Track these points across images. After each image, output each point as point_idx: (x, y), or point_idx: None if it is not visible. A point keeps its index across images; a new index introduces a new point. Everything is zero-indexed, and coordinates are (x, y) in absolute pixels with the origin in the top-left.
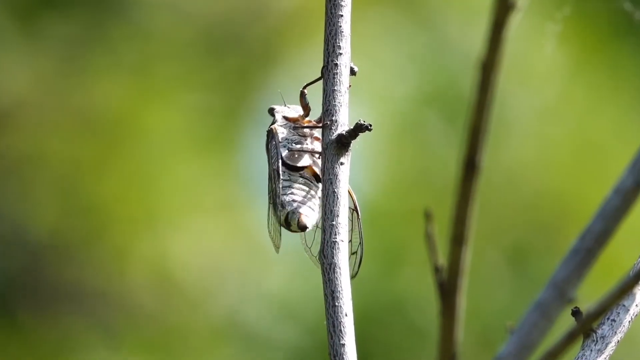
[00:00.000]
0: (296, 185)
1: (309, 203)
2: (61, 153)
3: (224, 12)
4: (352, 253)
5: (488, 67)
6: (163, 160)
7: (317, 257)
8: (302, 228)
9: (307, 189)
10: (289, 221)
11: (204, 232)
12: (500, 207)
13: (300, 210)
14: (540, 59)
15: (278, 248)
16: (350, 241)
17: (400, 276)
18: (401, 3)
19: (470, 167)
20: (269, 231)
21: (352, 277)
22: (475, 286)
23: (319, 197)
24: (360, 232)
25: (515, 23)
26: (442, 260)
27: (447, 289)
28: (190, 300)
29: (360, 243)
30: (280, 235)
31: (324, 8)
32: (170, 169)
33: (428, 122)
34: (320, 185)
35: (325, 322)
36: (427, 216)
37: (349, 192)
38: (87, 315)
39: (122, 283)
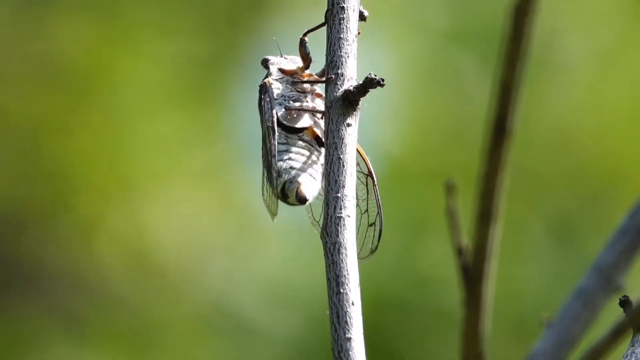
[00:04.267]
0: (294, 149)
1: (309, 170)
2: (19, 109)
3: None
4: (370, 224)
5: (522, 12)
6: (138, 117)
7: (320, 235)
8: (301, 200)
9: (307, 153)
10: (286, 192)
11: (186, 203)
12: (543, 171)
13: (299, 179)
14: None
15: (274, 216)
16: (366, 211)
17: (425, 252)
18: None
19: (499, 132)
20: (263, 198)
21: (372, 252)
22: (509, 266)
23: (322, 164)
24: (377, 201)
25: None
26: (467, 240)
27: (472, 275)
28: (170, 284)
29: (379, 213)
30: (277, 202)
31: None
32: (146, 129)
33: (461, 64)
34: (323, 150)
35: (328, 312)
36: (449, 188)
37: (360, 153)
38: (47, 301)
39: (89, 263)
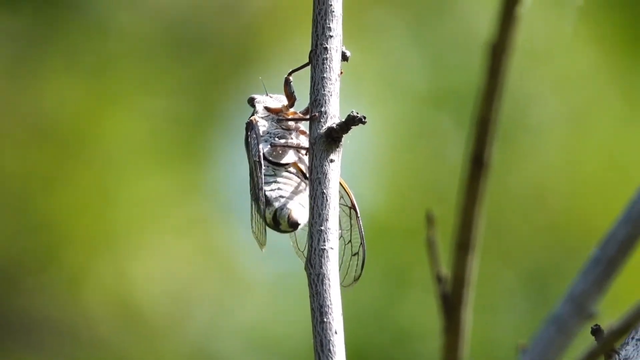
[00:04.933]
0: (282, 179)
1: (297, 198)
2: (9, 165)
3: (192, 7)
4: (353, 254)
5: (499, 49)
6: (124, 173)
7: (305, 267)
8: (293, 225)
9: (294, 183)
10: (278, 219)
11: (170, 254)
12: (518, 224)
13: (289, 206)
14: (571, 59)
15: (263, 246)
16: (349, 242)
17: (404, 303)
18: None
19: (477, 164)
20: (252, 230)
21: (355, 280)
22: (484, 317)
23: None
24: (360, 231)
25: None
26: (446, 270)
27: (451, 302)
28: (154, 332)
29: (362, 243)
30: (266, 232)
31: None
32: (132, 183)
33: (439, 125)
34: (307, 182)
35: (312, 341)
36: (429, 220)
37: (344, 187)
38: (37, 349)
39: (77, 312)
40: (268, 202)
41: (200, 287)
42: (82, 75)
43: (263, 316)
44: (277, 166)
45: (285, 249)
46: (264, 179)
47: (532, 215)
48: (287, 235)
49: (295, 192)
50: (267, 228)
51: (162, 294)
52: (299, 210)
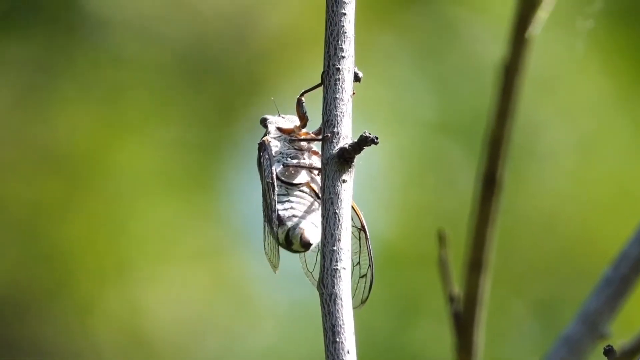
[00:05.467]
0: (294, 198)
1: (310, 217)
2: (19, 193)
3: (202, 35)
4: (361, 276)
5: (511, 69)
6: (134, 202)
7: (317, 287)
8: (306, 245)
9: (307, 202)
10: (290, 239)
11: (181, 283)
12: (527, 252)
13: (302, 226)
14: (579, 86)
15: (276, 268)
16: (358, 263)
17: (415, 331)
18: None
19: (490, 183)
20: (265, 251)
21: (362, 302)
22: (494, 341)
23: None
24: (369, 253)
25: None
26: (458, 289)
27: (464, 321)
28: None
29: (370, 265)
30: (279, 254)
31: (325, 7)
32: (143, 212)
33: (450, 153)
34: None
35: None
36: (441, 239)
37: (354, 208)
38: None
39: (86, 341)
40: (281, 221)
41: (212, 316)
42: (94, 104)
43: (274, 343)
44: (290, 185)
45: (296, 275)
46: (277, 198)
47: (542, 242)
48: (297, 256)
49: (308, 211)
50: (280, 249)
51: (172, 322)
52: (312, 230)
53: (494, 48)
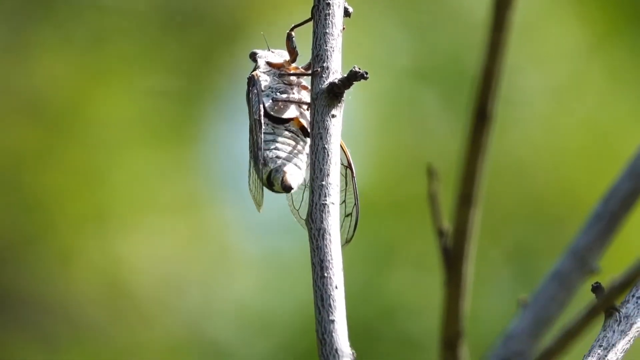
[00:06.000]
0: (280, 139)
1: (294, 160)
2: None
3: None
4: (346, 215)
5: (503, 1)
6: (115, 151)
7: (305, 221)
8: (287, 188)
9: (293, 143)
10: (272, 180)
11: (162, 234)
12: (501, 199)
13: (285, 169)
14: (554, 33)
15: (260, 207)
16: (344, 202)
17: (392, 281)
18: None
19: (481, 117)
20: (249, 188)
21: (347, 241)
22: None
23: (307, 154)
24: (355, 192)
25: None
26: (447, 224)
27: (453, 255)
28: (146, 312)
29: (355, 204)
30: (263, 192)
31: None
32: (123, 162)
33: (426, 100)
34: (308, 140)
35: (312, 296)
36: (430, 173)
37: (342, 146)
38: (25, 328)
39: (66, 291)
40: (265, 162)
41: (192, 268)
42: (74, 52)
43: (255, 293)
44: (278, 123)
45: (277, 224)
46: (264, 137)
47: (516, 189)
48: (282, 195)
49: (293, 153)
50: (264, 188)
51: (152, 273)
52: (294, 172)
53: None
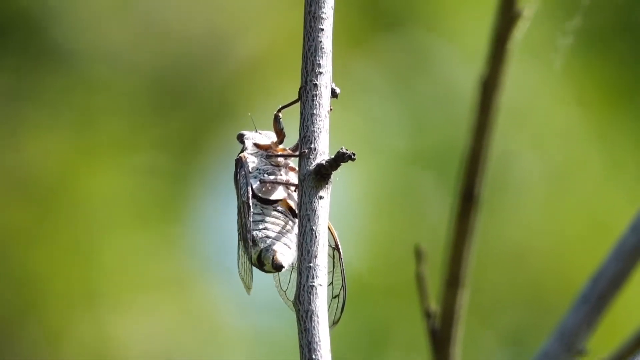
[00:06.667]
0: (269, 218)
1: (284, 239)
2: None
3: (173, 60)
4: (334, 297)
5: (489, 84)
6: (105, 229)
7: (293, 303)
8: (277, 268)
9: (282, 223)
10: (262, 260)
11: (152, 312)
12: (498, 283)
13: (275, 248)
14: (552, 117)
15: (249, 289)
16: (331, 283)
17: None
18: (393, 40)
19: (467, 199)
20: (239, 271)
21: (334, 323)
22: None
23: (296, 234)
24: (342, 273)
25: (520, 37)
26: (435, 306)
27: (440, 338)
28: None
29: (343, 286)
30: (252, 274)
31: (302, 22)
32: (113, 239)
33: (419, 181)
34: (296, 220)
35: None
36: (418, 254)
37: (329, 227)
38: None
39: None
40: (254, 241)
41: (182, 346)
42: (64, 130)
43: None
44: (266, 204)
45: (267, 302)
46: (252, 217)
47: (512, 274)
48: (269, 276)
49: (282, 232)
50: (254, 270)
51: (142, 351)
52: (284, 252)
53: (466, 75)
